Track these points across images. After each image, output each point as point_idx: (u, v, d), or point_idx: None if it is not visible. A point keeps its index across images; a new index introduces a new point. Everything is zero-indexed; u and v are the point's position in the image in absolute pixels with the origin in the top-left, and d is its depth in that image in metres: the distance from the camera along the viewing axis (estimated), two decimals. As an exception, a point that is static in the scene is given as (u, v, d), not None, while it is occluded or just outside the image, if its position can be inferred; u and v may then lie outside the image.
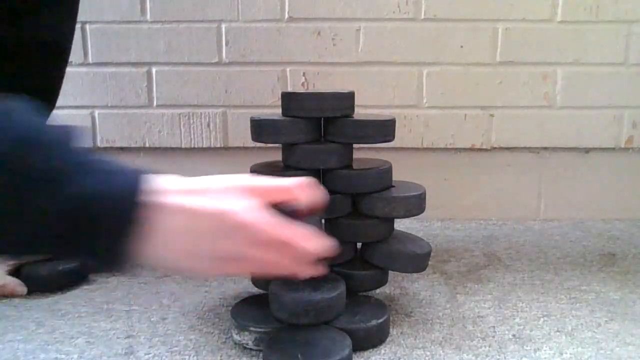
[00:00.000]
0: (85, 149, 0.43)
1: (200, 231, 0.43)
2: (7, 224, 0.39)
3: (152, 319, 0.71)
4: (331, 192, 0.71)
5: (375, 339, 0.64)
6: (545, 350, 0.63)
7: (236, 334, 0.64)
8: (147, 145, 1.15)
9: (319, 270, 0.48)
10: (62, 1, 0.77)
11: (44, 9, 0.73)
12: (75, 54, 1.06)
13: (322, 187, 0.51)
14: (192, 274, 0.47)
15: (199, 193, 0.44)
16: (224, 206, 0.43)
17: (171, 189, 0.43)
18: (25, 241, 0.40)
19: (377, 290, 0.77)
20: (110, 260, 0.42)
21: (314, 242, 0.46)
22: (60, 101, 0.85)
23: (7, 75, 0.69)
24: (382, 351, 0.62)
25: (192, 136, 1.16)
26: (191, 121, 1.15)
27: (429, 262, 0.73)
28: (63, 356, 0.62)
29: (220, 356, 0.62)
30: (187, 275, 0.47)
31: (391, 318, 0.68)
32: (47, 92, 0.80)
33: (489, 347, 0.63)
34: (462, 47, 1.12)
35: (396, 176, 0.74)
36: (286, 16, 1.11)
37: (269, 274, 0.47)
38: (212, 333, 0.67)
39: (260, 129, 0.70)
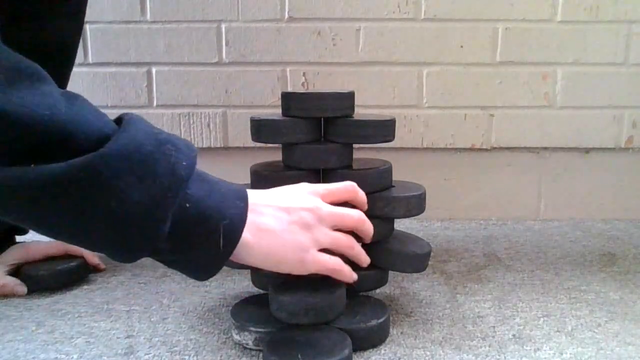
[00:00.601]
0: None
1: (290, 226, 0.53)
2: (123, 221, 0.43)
3: (152, 319, 0.71)
4: (331, 192, 0.71)
5: (375, 339, 0.64)
6: (545, 350, 0.63)
7: (236, 334, 0.64)
8: (147, 145, 1.15)
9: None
10: (66, 6, 0.76)
11: (48, 14, 0.73)
12: (75, 54, 1.06)
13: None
14: (280, 269, 0.56)
15: (281, 198, 0.55)
16: (308, 203, 0.55)
17: (259, 195, 0.54)
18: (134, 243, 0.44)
19: (377, 290, 0.77)
20: (209, 261, 0.50)
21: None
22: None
23: None
24: (382, 351, 0.62)
25: (192, 136, 1.16)
26: (191, 121, 1.15)
27: (429, 262, 0.73)
28: (63, 356, 0.62)
29: (220, 356, 0.62)
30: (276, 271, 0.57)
31: (391, 318, 0.68)
32: None
33: (489, 347, 0.63)
34: (462, 47, 1.12)
35: (396, 176, 0.74)
36: (286, 16, 1.11)
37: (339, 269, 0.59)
38: (212, 333, 0.67)
39: (260, 129, 0.70)
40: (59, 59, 0.79)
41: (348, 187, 0.61)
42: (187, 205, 0.45)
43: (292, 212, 0.54)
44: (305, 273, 0.56)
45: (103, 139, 0.42)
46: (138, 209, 0.42)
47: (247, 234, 0.50)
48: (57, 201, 0.41)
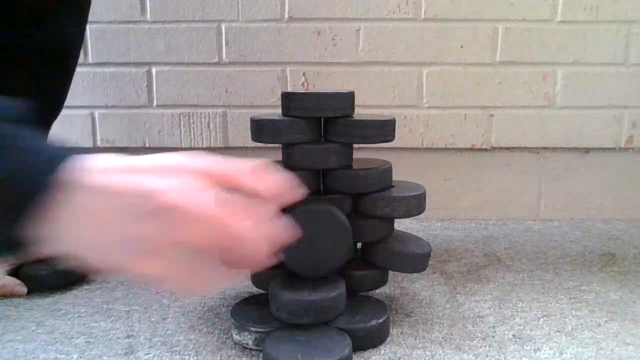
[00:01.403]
0: (15, 126, 0.39)
1: (117, 213, 0.37)
2: None
3: (152, 319, 0.71)
4: (331, 192, 0.71)
5: (375, 338, 0.64)
6: (545, 350, 0.63)
7: (236, 334, 0.64)
8: (147, 145, 1.15)
9: (271, 259, 0.41)
10: (70, 8, 0.76)
11: (51, 16, 0.72)
12: (75, 54, 1.06)
13: (283, 170, 0.43)
14: (105, 267, 0.40)
15: (129, 171, 0.38)
16: (151, 185, 0.37)
17: (97, 168, 0.38)
18: None
19: (377, 290, 0.77)
20: (2, 243, 0.38)
21: (265, 226, 0.40)
22: (60, 101, 0.85)
23: (11, 83, 0.69)
24: (382, 351, 0.62)
25: (192, 136, 1.16)
26: (191, 121, 1.15)
27: (429, 262, 0.73)
28: (63, 356, 0.62)
29: (220, 356, 0.62)
30: (99, 271, 0.43)
31: (391, 318, 0.68)
32: (52, 99, 0.80)
33: (489, 347, 0.63)
34: (462, 47, 1.12)
35: (396, 176, 0.74)
36: (286, 16, 1.11)
37: (201, 274, 0.40)
38: (212, 333, 0.67)
39: (260, 129, 0.70)
40: (61, 61, 0.78)
41: (243, 169, 0.42)
42: None
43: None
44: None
45: None
46: None
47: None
48: None
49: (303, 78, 1.13)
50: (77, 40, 0.80)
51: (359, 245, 0.74)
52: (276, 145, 0.72)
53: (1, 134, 0.37)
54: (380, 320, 0.63)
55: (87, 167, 0.38)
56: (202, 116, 1.15)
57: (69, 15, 0.76)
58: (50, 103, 0.79)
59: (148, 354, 0.62)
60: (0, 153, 0.37)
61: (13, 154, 0.37)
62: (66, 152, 0.38)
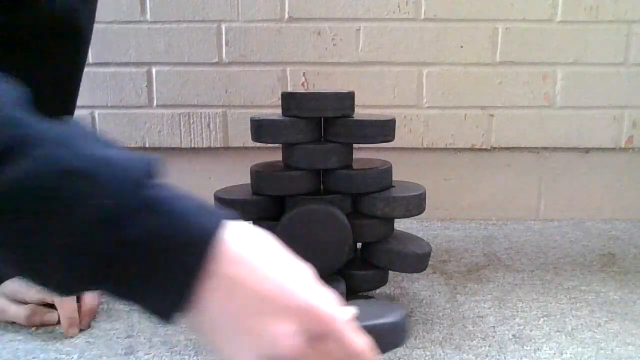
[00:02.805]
0: (160, 184, 0.37)
1: (261, 313, 0.36)
2: (48, 264, 0.34)
3: (152, 319, 0.71)
4: (331, 192, 0.71)
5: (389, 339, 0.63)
6: (545, 350, 0.63)
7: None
8: (147, 145, 1.15)
9: None
10: None
11: None
12: (75, 54, 1.06)
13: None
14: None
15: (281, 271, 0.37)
16: (320, 306, 0.37)
17: (248, 253, 0.37)
18: (68, 281, 0.35)
19: (377, 290, 0.77)
20: (157, 311, 0.37)
21: None
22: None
23: (19, 68, 0.66)
24: (382, 351, 0.62)
25: (192, 136, 1.16)
26: (191, 121, 1.15)
27: (429, 262, 0.73)
28: (63, 356, 0.62)
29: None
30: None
31: (391, 318, 0.68)
32: (65, 85, 0.76)
33: (489, 347, 0.63)
34: (462, 47, 1.12)
35: (396, 176, 0.74)
36: (286, 16, 1.11)
37: None
38: (212, 333, 0.67)
39: (260, 129, 0.70)
40: (72, 43, 0.75)
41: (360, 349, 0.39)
42: (119, 250, 0.34)
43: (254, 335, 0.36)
44: None
45: (3, 161, 0.33)
46: (44, 257, 0.34)
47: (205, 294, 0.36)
48: None
49: (303, 78, 1.13)
50: (89, 20, 0.76)
51: (359, 245, 0.74)
52: (276, 145, 0.73)
53: (157, 198, 0.36)
54: (391, 320, 0.61)
55: (238, 249, 0.37)
56: (202, 116, 1.15)
57: None
58: (64, 90, 0.76)
59: (148, 354, 0.62)
60: (156, 216, 0.35)
61: (172, 217, 0.35)
62: (215, 221, 0.37)
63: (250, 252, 0.37)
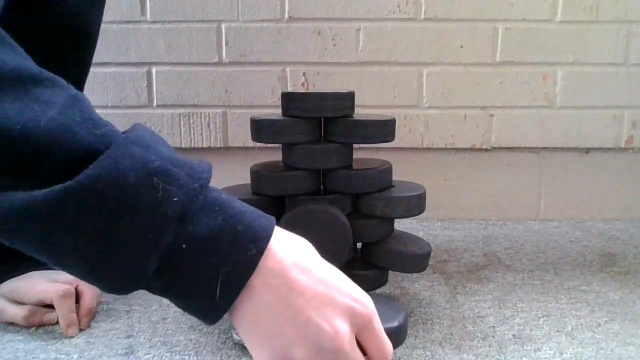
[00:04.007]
0: (216, 189, 0.41)
1: (298, 333, 0.39)
2: (110, 261, 0.36)
3: (152, 319, 0.71)
4: (331, 192, 0.71)
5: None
6: (545, 350, 0.63)
7: (236, 334, 0.64)
8: (147, 145, 1.15)
9: None
10: None
11: None
12: (75, 54, 1.06)
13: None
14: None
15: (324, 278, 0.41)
16: (335, 328, 0.39)
17: (295, 250, 0.41)
18: (127, 279, 0.37)
19: (377, 290, 0.77)
20: (206, 308, 0.40)
21: None
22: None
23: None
24: (382, 351, 0.62)
25: (192, 136, 1.16)
26: (191, 121, 1.15)
27: (429, 262, 0.73)
28: (63, 356, 0.62)
29: (220, 356, 0.62)
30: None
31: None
32: (74, 77, 0.76)
33: (489, 347, 0.63)
34: (462, 47, 1.12)
35: (396, 176, 0.74)
36: (286, 16, 1.11)
37: None
38: (212, 333, 0.67)
39: (260, 129, 0.70)
40: (81, 45, 0.75)
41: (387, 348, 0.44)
42: (184, 245, 0.37)
43: (314, 315, 0.39)
44: None
45: (89, 158, 0.35)
46: (111, 251, 0.36)
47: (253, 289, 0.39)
48: (20, 236, 0.36)
49: (303, 78, 1.13)
50: (95, 22, 0.77)
51: (359, 245, 0.74)
52: (276, 145, 0.73)
53: (219, 202, 0.39)
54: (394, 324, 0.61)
55: (282, 253, 0.40)
56: (202, 116, 1.15)
57: None
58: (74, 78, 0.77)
59: (148, 354, 0.62)
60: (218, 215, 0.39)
61: (227, 228, 0.39)
62: (270, 222, 0.41)
63: (300, 254, 0.41)
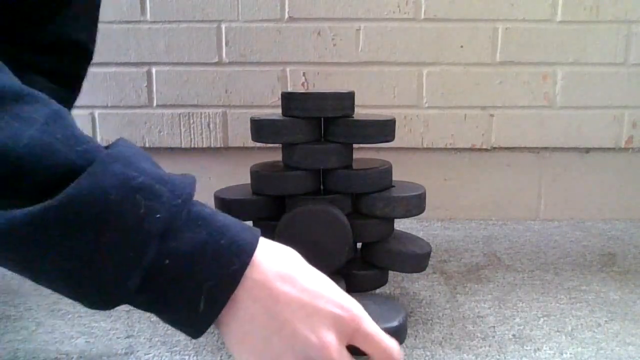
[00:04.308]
0: (200, 203, 0.40)
1: (284, 345, 0.39)
2: (89, 274, 0.36)
3: (152, 319, 0.71)
4: (331, 192, 0.71)
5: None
6: (545, 350, 0.63)
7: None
8: (147, 145, 1.15)
9: None
10: (83, 3, 0.74)
11: (67, 10, 0.70)
12: (75, 54, 1.06)
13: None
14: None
15: (299, 301, 0.40)
16: (321, 339, 0.39)
17: (276, 261, 0.41)
18: (108, 293, 0.37)
19: (377, 290, 0.77)
20: (191, 321, 0.39)
21: None
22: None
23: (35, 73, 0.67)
24: (382, 351, 0.62)
25: (192, 136, 1.16)
26: (191, 121, 1.15)
27: (429, 262, 0.73)
28: (63, 356, 0.62)
29: (220, 356, 0.62)
30: None
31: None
32: (65, 98, 0.78)
33: (489, 347, 0.63)
34: (462, 47, 1.12)
35: (396, 176, 0.74)
36: (286, 16, 1.11)
37: None
38: (212, 333, 0.67)
39: (260, 129, 0.70)
40: (75, 56, 0.76)
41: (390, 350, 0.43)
42: (166, 261, 0.37)
43: (298, 328, 0.39)
44: None
45: (71, 176, 0.35)
46: (93, 269, 0.36)
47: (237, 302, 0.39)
48: (1, 255, 0.36)
49: (303, 78, 1.13)
50: (90, 32, 0.78)
51: (359, 245, 0.74)
52: (276, 145, 0.73)
53: (203, 216, 0.39)
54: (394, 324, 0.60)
55: (266, 267, 0.40)
56: (202, 116, 1.15)
57: (85, 9, 0.74)
58: (69, 87, 0.78)
59: (148, 354, 0.62)
60: (199, 229, 0.39)
61: (210, 242, 0.38)
62: (254, 235, 0.41)
63: (285, 264, 0.41)
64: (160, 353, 0.62)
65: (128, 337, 0.66)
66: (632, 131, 1.14)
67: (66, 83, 0.75)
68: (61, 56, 0.71)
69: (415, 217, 0.71)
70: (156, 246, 0.37)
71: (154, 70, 1.13)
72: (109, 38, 1.12)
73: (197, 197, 0.40)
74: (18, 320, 0.71)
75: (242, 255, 0.39)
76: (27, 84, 0.38)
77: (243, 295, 0.39)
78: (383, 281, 0.73)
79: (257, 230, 0.41)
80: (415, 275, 0.85)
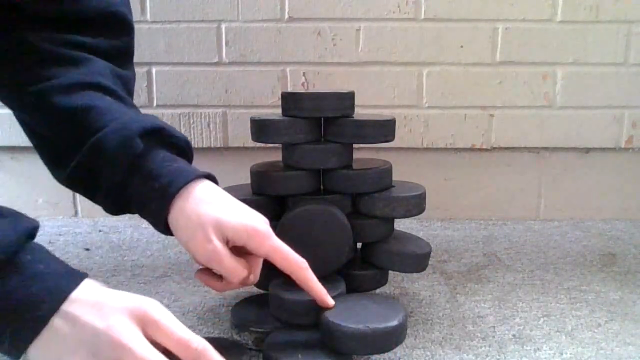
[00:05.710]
0: (34, 247, 0.44)
1: (78, 344, 0.42)
2: None
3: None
4: (331, 192, 0.71)
5: (386, 341, 0.63)
6: (545, 350, 0.63)
7: (236, 334, 0.64)
8: (147, 145, 1.15)
9: None
10: None
11: None
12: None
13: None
14: None
15: (96, 307, 0.45)
16: (108, 323, 0.43)
17: (80, 299, 0.44)
18: None
19: (377, 290, 0.77)
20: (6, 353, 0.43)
21: None
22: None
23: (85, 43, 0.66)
24: (382, 351, 0.62)
25: (192, 136, 1.16)
26: (191, 121, 1.15)
27: (429, 262, 0.73)
28: (63, 356, 0.62)
29: (220, 356, 0.62)
30: None
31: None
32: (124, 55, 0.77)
33: (489, 347, 0.63)
34: (462, 47, 1.12)
35: (396, 176, 0.74)
36: (286, 16, 1.11)
37: None
38: (212, 333, 0.67)
39: (260, 129, 0.70)
40: (119, 28, 0.76)
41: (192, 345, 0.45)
42: None
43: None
44: None
45: None
46: None
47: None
48: None
49: (303, 78, 1.13)
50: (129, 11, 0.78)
51: (359, 245, 0.74)
52: (276, 145, 0.73)
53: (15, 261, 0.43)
54: (390, 324, 0.60)
55: (75, 297, 0.44)
56: (202, 116, 1.15)
57: None
58: (126, 64, 0.78)
59: (148, 354, 0.62)
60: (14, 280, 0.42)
61: (24, 280, 0.42)
62: (70, 282, 0.45)
63: (85, 312, 0.44)
64: (160, 353, 0.62)
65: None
66: (632, 131, 1.14)
67: (121, 61, 0.76)
68: (106, 30, 0.71)
69: (415, 217, 0.71)
70: None
71: (154, 70, 1.13)
72: (109, 38, 1.12)
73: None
74: None
75: (51, 302, 0.42)
76: (85, 66, 0.50)
77: (48, 335, 0.42)
78: (383, 281, 0.73)
79: (83, 275, 0.46)
80: (415, 275, 0.85)
